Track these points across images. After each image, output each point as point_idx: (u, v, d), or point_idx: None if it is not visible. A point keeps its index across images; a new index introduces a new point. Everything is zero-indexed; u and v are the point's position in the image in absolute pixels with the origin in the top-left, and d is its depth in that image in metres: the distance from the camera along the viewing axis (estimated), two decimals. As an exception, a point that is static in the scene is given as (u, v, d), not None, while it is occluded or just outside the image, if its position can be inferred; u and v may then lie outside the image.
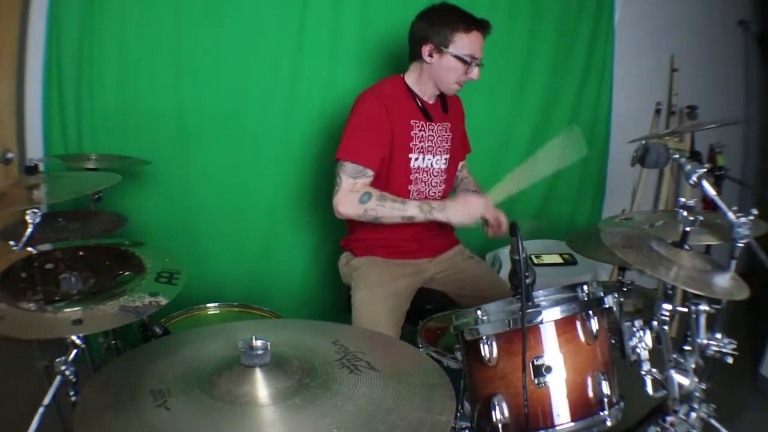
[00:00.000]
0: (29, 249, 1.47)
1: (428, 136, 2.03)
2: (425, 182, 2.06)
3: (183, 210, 2.65)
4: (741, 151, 3.67)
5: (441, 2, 1.99)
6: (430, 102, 2.06)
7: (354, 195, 1.88)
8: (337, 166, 1.92)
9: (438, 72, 1.96)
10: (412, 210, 1.89)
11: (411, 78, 2.04)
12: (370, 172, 1.90)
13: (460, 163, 2.29)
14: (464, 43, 1.91)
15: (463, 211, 1.91)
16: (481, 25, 1.93)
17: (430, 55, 1.94)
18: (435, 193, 2.10)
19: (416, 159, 2.02)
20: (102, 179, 1.89)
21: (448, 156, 2.10)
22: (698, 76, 3.38)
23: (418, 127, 2.01)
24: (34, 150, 2.52)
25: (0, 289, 1.24)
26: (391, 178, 1.99)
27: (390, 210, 1.88)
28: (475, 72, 1.95)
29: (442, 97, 2.09)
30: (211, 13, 2.49)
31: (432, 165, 2.06)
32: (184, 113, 2.56)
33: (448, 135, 2.09)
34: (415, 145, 2.01)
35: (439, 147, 2.06)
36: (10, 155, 1.90)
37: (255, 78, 2.58)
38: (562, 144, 1.94)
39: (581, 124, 3.11)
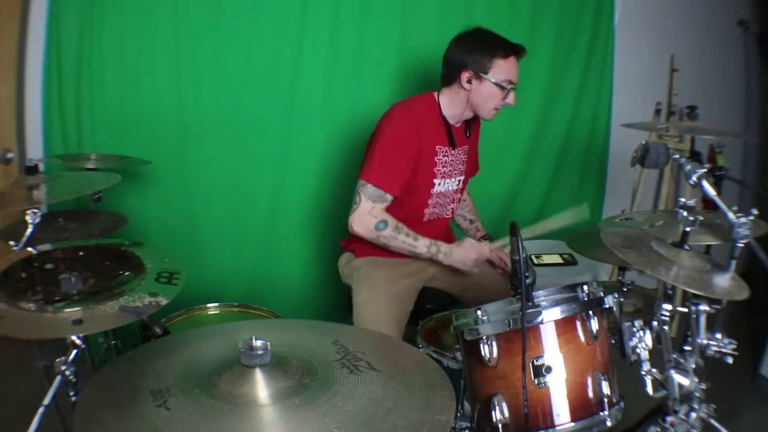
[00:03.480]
0: (29, 249, 1.47)
1: (450, 161, 2.04)
2: (442, 205, 2.09)
3: (183, 210, 2.65)
4: (741, 151, 3.67)
5: (475, 27, 1.96)
6: (457, 126, 2.05)
7: (371, 219, 1.88)
8: (358, 184, 1.91)
9: (476, 99, 1.94)
10: (421, 248, 1.93)
11: (444, 100, 2.00)
12: (390, 198, 1.90)
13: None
14: (502, 69, 1.90)
15: (465, 260, 1.96)
16: (517, 50, 1.92)
17: (469, 82, 1.91)
18: (446, 213, 2.13)
19: (438, 184, 2.03)
20: (102, 179, 1.89)
21: (462, 177, 2.12)
22: (698, 76, 3.38)
23: (443, 152, 2.01)
24: (34, 150, 2.52)
25: (0, 289, 1.24)
26: (411, 200, 1.99)
27: (401, 243, 1.91)
28: (511, 97, 1.94)
29: (467, 122, 2.09)
30: (211, 13, 2.50)
31: (449, 188, 2.08)
32: (184, 113, 2.56)
33: (465, 158, 2.11)
34: (439, 170, 2.01)
35: (456, 170, 2.08)
36: (10, 155, 1.89)
37: (255, 78, 2.59)
38: (571, 216, 2.02)
39: (581, 124, 3.12)
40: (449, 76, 1.97)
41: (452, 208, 2.16)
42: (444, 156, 2.02)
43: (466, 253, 1.95)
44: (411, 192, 1.97)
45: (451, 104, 2.00)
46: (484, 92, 1.92)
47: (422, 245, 1.93)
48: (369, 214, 1.89)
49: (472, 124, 2.12)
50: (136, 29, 2.45)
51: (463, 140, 2.08)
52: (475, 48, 1.91)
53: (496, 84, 1.90)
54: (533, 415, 1.23)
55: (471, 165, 2.20)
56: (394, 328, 1.92)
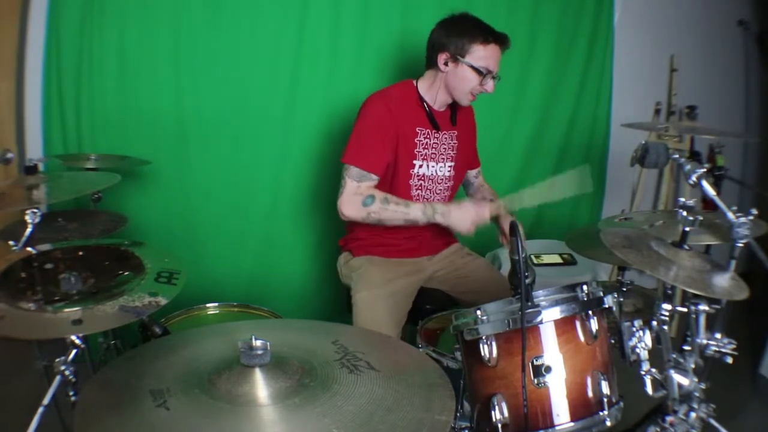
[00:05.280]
0: (29, 249, 1.47)
1: (433, 143, 2.03)
2: (430, 189, 2.07)
3: (183, 210, 2.65)
4: (741, 151, 3.67)
5: (462, 12, 1.97)
6: (440, 110, 2.05)
7: (357, 198, 1.88)
8: (342, 169, 1.92)
9: (452, 81, 1.95)
10: (415, 213, 1.90)
11: (423, 85, 2.03)
12: (375, 177, 1.91)
13: (475, 170, 2.31)
14: (481, 54, 1.90)
15: (464, 218, 1.90)
16: (499, 39, 1.92)
17: (446, 64, 1.93)
18: (439, 200, 2.10)
19: (420, 166, 2.02)
20: (102, 179, 1.89)
21: (452, 163, 2.10)
22: (698, 76, 3.38)
23: (424, 134, 2.01)
24: (34, 150, 2.52)
25: (0, 289, 1.24)
26: (395, 184, 1.99)
27: (393, 213, 1.89)
28: (489, 84, 1.94)
29: (452, 108, 2.08)
30: (211, 13, 2.50)
31: (436, 172, 2.06)
32: (183, 113, 2.56)
33: (455, 143, 2.09)
34: (419, 152, 2.01)
35: (443, 154, 2.06)
36: (9, 155, 1.89)
37: (255, 78, 2.59)
38: (575, 177, 1.88)
39: (581, 123, 3.12)
40: (429, 58, 2.00)
41: (447, 197, 2.12)
42: (426, 138, 2.01)
43: (464, 214, 1.89)
44: (395, 175, 1.98)
45: (429, 87, 2.01)
46: (460, 75, 1.93)
47: (416, 209, 1.90)
48: (355, 193, 1.88)
49: (459, 111, 2.10)
50: (136, 29, 2.45)
51: (448, 125, 2.07)
52: (455, 31, 1.92)
53: (472, 68, 1.90)
54: (533, 415, 1.23)
55: (465, 153, 2.17)
56: (393, 328, 1.92)
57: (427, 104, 2.02)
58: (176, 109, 2.55)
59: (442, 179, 2.08)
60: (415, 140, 2.00)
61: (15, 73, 2.51)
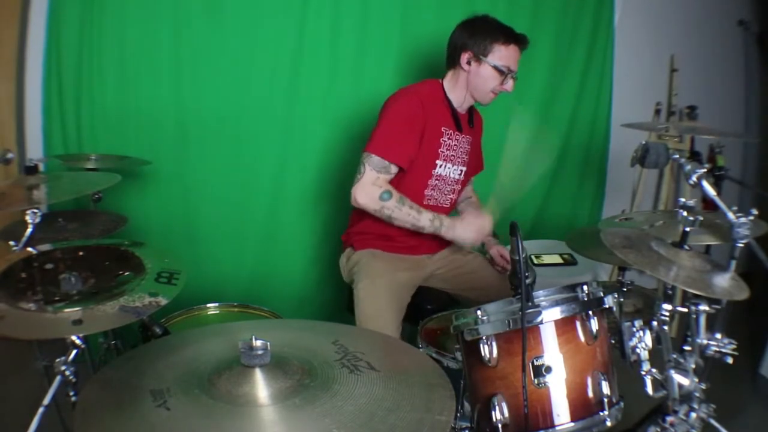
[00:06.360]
0: (29, 249, 1.47)
1: (454, 145, 2.05)
2: (440, 189, 2.08)
3: (183, 210, 2.64)
4: (741, 151, 3.67)
5: (482, 14, 2.02)
6: (462, 112, 2.08)
7: (375, 189, 1.88)
8: (362, 156, 1.92)
9: (474, 80, 1.98)
10: (424, 221, 1.92)
11: (448, 85, 2.05)
12: (394, 169, 1.92)
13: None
14: (502, 54, 1.95)
15: (470, 232, 1.96)
16: (519, 40, 1.98)
17: (468, 63, 1.97)
18: (444, 201, 2.12)
19: (440, 166, 2.04)
20: (102, 179, 1.89)
21: (464, 168, 2.12)
22: (698, 76, 3.38)
23: (448, 135, 2.03)
24: (34, 150, 2.52)
25: (0, 289, 1.24)
26: (411, 179, 1.99)
27: (405, 215, 1.91)
28: (509, 84, 1.99)
29: (470, 111, 2.11)
30: (211, 13, 2.49)
31: (450, 174, 2.08)
32: (184, 113, 2.55)
33: (468, 148, 2.12)
34: (442, 152, 2.02)
35: (459, 157, 2.09)
36: (10, 155, 1.89)
37: (255, 78, 2.58)
38: (515, 127, 1.95)
39: (581, 124, 3.12)
40: (451, 57, 2.02)
41: (451, 199, 2.14)
42: (449, 139, 2.03)
43: (468, 227, 1.96)
44: (413, 169, 1.97)
45: (453, 88, 2.04)
46: (483, 74, 1.97)
47: (425, 218, 1.92)
48: (373, 184, 1.89)
49: (475, 115, 2.13)
50: (137, 29, 2.45)
51: (467, 128, 2.10)
52: (477, 31, 1.96)
53: (494, 67, 1.95)
54: (533, 415, 1.23)
55: (474, 159, 2.20)
56: (394, 317, 1.93)
57: (453, 105, 2.04)
58: (176, 109, 2.54)
59: (451, 181, 2.10)
60: (441, 140, 2.01)
61: (15, 73, 2.51)
